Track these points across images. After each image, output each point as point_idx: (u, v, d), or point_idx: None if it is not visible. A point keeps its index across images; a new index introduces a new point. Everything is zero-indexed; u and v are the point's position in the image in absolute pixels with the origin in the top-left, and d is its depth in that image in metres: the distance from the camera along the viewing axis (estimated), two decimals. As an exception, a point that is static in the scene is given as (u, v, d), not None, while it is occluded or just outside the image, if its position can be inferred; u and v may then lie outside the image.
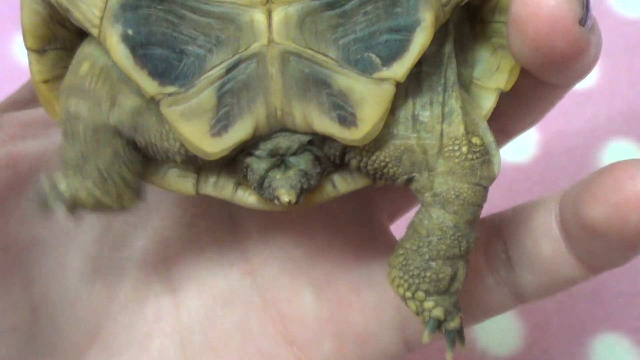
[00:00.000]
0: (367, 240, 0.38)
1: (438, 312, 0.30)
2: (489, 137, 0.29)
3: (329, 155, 0.29)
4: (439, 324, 0.31)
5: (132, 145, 0.30)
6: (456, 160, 0.29)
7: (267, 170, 0.29)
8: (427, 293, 0.30)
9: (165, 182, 0.31)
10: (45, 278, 0.34)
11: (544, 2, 0.26)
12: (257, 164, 0.29)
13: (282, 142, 0.28)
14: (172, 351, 0.35)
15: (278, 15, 0.26)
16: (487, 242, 0.35)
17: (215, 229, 0.37)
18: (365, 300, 0.37)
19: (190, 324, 0.36)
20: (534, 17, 0.26)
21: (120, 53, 0.26)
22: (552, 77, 0.30)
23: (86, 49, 0.29)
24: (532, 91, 0.32)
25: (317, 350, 0.36)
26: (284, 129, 0.28)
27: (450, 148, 0.28)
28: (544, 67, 0.28)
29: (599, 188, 0.29)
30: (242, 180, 0.30)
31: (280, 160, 0.29)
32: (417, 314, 0.31)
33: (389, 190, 0.39)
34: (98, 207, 0.30)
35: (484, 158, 0.29)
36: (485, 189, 0.29)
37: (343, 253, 0.37)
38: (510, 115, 0.33)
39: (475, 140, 0.29)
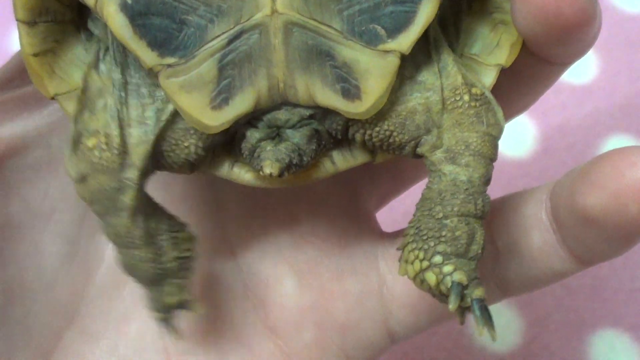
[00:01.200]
0: (351, 227, 0.37)
1: (460, 275, 0.27)
2: (489, 92, 0.29)
3: (330, 130, 0.29)
4: (462, 292, 0.28)
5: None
6: (460, 110, 0.28)
7: (260, 140, 0.28)
8: (445, 255, 0.28)
9: None
10: (20, 261, 0.33)
11: None
12: (252, 133, 0.28)
13: (282, 114, 0.28)
14: (150, 336, 0.35)
15: None
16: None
17: (198, 212, 0.36)
18: (348, 288, 0.36)
19: None
20: None
21: (119, 22, 0.26)
22: (555, 50, 0.29)
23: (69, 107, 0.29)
24: (529, 70, 0.31)
25: (298, 338, 0.36)
26: (286, 102, 0.28)
27: (453, 99, 0.28)
28: (550, 38, 0.27)
29: (597, 176, 0.29)
30: (237, 155, 0.30)
31: (275, 131, 0.28)
32: (438, 284, 0.28)
33: (376, 176, 0.38)
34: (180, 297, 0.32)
35: (487, 106, 0.28)
36: (495, 139, 0.28)
37: (327, 240, 0.37)
38: (507, 96, 0.32)
39: (475, 90, 0.28)
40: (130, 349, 0.35)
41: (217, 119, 0.27)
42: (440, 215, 0.28)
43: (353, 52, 0.26)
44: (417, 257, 0.28)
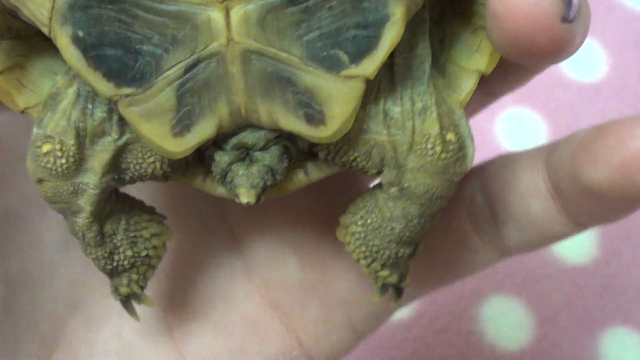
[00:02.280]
0: (349, 202, 0.37)
1: (393, 279, 0.31)
2: (465, 128, 0.28)
3: (299, 147, 0.29)
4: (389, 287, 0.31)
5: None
6: (428, 159, 0.28)
7: (230, 164, 0.28)
8: (384, 266, 0.30)
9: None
10: (21, 251, 0.33)
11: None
12: (220, 157, 0.28)
13: (248, 137, 0.28)
14: (154, 319, 0.35)
15: (237, 13, 0.25)
16: (470, 199, 0.35)
17: (196, 197, 0.36)
18: (350, 264, 0.36)
19: (171, 289, 0.36)
20: (513, 14, 0.25)
21: (72, 55, 0.25)
22: (534, 66, 0.29)
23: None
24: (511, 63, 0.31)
25: (303, 315, 0.36)
26: (250, 125, 0.27)
27: (423, 146, 0.28)
28: (525, 60, 0.27)
29: (600, 149, 0.28)
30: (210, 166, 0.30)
31: (245, 153, 0.28)
32: (370, 276, 0.31)
33: None
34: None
35: (458, 155, 0.28)
36: (456, 183, 0.28)
37: (326, 218, 0.36)
38: (495, 78, 0.32)
39: (450, 137, 0.28)
40: (135, 333, 0.35)
41: (180, 146, 0.27)
42: (388, 239, 0.29)
43: (315, 79, 0.26)
44: (358, 253, 0.30)
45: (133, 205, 0.31)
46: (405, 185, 0.28)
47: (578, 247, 0.57)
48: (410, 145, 0.28)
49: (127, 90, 0.26)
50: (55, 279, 0.35)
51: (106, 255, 0.31)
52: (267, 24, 0.25)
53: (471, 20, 0.29)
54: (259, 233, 0.37)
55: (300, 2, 0.25)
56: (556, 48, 0.26)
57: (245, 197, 0.27)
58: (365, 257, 0.30)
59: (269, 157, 0.28)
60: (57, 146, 0.28)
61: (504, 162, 0.34)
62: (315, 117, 0.26)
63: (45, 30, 0.26)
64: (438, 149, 0.27)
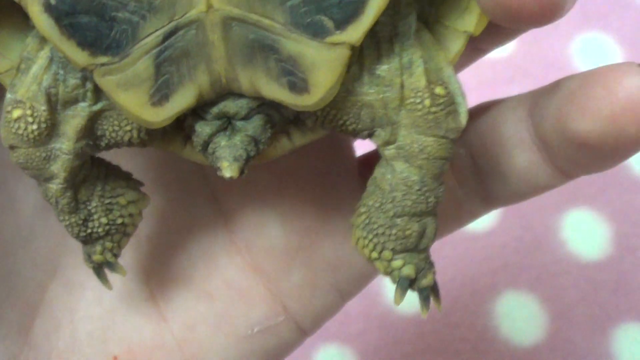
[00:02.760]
0: (333, 165, 0.36)
1: (408, 271, 0.29)
2: (454, 84, 0.27)
3: (283, 115, 0.28)
4: (410, 283, 0.29)
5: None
6: (419, 114, 0.27)
7: (212, 135, 0.27)
8: (394, 251, 0.28)
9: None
10: None
11: None
12: (202, 127, 0.27)
13: (230, 106, 0.27)
14: (135, 283, 0.35)
15: None
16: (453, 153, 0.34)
17: (177, 161, 0.35)
18: (334, 227, 0.35)
19: (153, 254, 0.35)
20: None
21: (44, 24, 0.25)
22: (523, 28, 0.28)
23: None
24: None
25: (287, 279, 0.35)
26: (231, 93, 0.27)
27: (412, 100, 0.27)
28: (514, 23, 0.26)
29: (588, 100, 0.27)
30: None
31: (227, 123, 0.27)
32: (386, 274, 0.29)
33: None
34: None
35: (449, 109, 0.27)
36: (453, 141, 0.28)
37: (309, 181, 0.36)
38: (484, 33, 0.30)
39: (438, 90, 0.27)
40: (116, 298, 0.34)
41: (158, 115, 0.26)
42: (391, 213, 0.28)
43: (298, 45, 0.25)
44: (366, 246, 0.29)
45: (109, 171, 0.30)
46: (401, 143, 0.27)
47: (592, 243, 0.57)
48: (400, 101, 0.27)
49: (102, 59, 0.25)
50: (33, 243, 0.34)
51: (80, 222, 0.30)
52: None
53: None
54: (242, 197, 0.36)
55: None
56: (545, 11, 0.25)
57: (228, 171, 0.27)
58: (375, 247, 0.29)
59: (252, 127, 0.27)
60: (28, 112, 0.27)
61: (486, 113, 0.33)
62: (298, 84, 0.25)
63: None
64: (427, 102, 0.27)
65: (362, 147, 0.36)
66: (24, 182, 0.34)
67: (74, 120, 0.28)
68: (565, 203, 0.58)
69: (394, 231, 0.28)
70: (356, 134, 0.28)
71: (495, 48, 0.33)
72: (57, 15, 0.25)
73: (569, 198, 0.58)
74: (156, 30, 0.25)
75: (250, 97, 0.27)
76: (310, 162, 0.36)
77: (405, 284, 0.29)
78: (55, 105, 0.28)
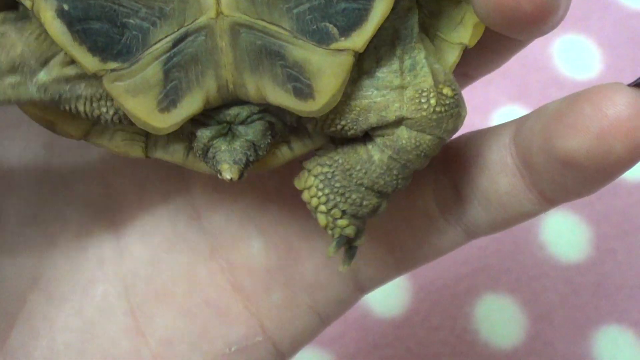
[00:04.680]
0: None
1: (350, 231, 0.29)
2: (459, 89, 0.28)
3: (284, 121, 0.29)
4: (347, 241, 0.30)
5: None
6: (423, 114, 0.27)
7: (212, 139, 0.28)
8: (344, 213, 0.29)
9: (112, 145, 0.30)
10: None
11: None
12: (202, 132, 0.28)
13: (231, 110, 0.27)
14: (116, 298, 0.34)
15: None
16: (435, 179, 0.34)
17: (161, 173, 0.35)
18: (316, 247, 0.35)
19: (135, 270, 0.35)
20: None
21: (57, 29, 0.25)
22: (518, 35, 0.28)
23: None
24: (493, 39, 0.30)
25: (267, 299, 0.35)
26: (237, 101, 0.27)
27: (417, 100, 0.27)
28: (510, 29, 0.26)
29: (576, 118, 0.27)
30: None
31: (227, 128, 0.28)
32: (326, 227, 0.30)
33: None
34: None
35: (453, 111, 0.28)
36: (445, 141, 0.28)
37: (292, 199, 0.35)
38: (472, 59, 0.31)
39: (446, 91, 0.27)
40: (96, 311, 0.34)
41: (166, 122, 0.26)
42: (359, 182, 0.29)
43: (304, 52, 0.26)
44: (318, 197, 0.29)
45: None
46: (396, 139, 0.28)
47: (573, 246, 0.57)
48: (401, 103, 0.27)
49: (113, 65, 0.25)
50: (16, 253, 0.34)
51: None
52: None
53: None
54: (224, 213, 0.36)
55: None
56: (541, 16, 0.25)
57: (229, 173, 0.27)
58: (327, 202, 0.29)
59: (252, 132, 0.28)
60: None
61: (469, 140, 0.33)
62: (304, 90, 0.26)
63: (27, 3, 0.25)
64: (433, 101, 0.27)
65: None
66: (10, 192, 0.34)
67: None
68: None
69: (353, 196, 0.29)
70: (353, 135, 0.28)
71: (482, 75, 0.34)
72: (70, 20, 0.25)
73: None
74: (166, 36, 0.25)
75: (256, 103, 0.27)
76: (294, 179, 0.36)
77: (344, 241, 0.30)
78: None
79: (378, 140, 0.28)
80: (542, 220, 0.57)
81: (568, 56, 0.62)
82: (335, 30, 0.25)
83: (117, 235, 0.35)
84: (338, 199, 0.29)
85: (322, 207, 0.29)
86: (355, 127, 0.28)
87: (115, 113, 0.28)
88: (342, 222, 0.29)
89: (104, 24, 0.25)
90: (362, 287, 0.36)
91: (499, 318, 0.55)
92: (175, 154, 0.30)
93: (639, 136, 0.27)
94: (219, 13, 0.25)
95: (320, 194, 0.29)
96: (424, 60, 0.28)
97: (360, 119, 0.28)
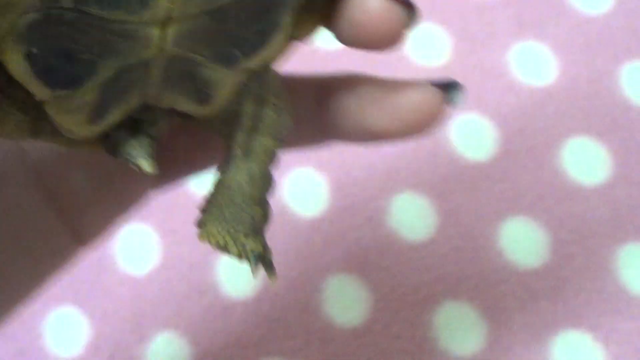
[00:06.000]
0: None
1: (259, 247, 0.33)
2: (284, 93, 0.33)
3: (183, 116, 0.32)
4: (260, 258, 0.33)
5: None
6: (269, 122, 0.32)
7: (121, 136, 0.31)
8: (246, 235, 0.32)
9: None
10: None
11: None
12: (113, 131, 0.31)
13: (142, 114, 0.31)
14: None
15: (173, 30, 0.28)
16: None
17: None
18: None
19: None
20: (372, 24, 0.30)
21: (21, 69, 0.27)
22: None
23: None
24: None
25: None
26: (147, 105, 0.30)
27: (265, 112, 0.32)
28: (361, 48, 0.31)
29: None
30: None
31: (133, 123, 0.31)
32: (240, 257, 0.33)
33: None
34: None
35: (283, 118, 0.33)
36: (281, 144, 0.33)
37: None
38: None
39: (275, 101, 0.33)
40: None
41: (92, 131, 0.30)
42: (242, 203, 0.32)
43: (214, 73, 0.30)
44: (222, 237, 0.33)
45: None
46: (251, 145, 0.32)
47: (531, 251, 0.57)
48: (255, 112, 0.32)
49: (60, 93, 0.28)
50: None
51: None
52: (193, 36, 0.28)
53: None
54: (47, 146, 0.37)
55: (221, 19, 0.28)
56: (391, 46, 0.31)
57: (148, 167, 0.30)
58: (230, 233, 0.32)
59: (156, 130, 0.31)
60: None
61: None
62: (204, 99, 0.31)
63: None
64: (272, 113, 0.33)
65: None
66: None
67: None
68: (503, 212, 0.58)
69: (244, 216, 0.33)
70: (224, 135, 0.33)
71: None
72: (34, 62, 0.27)
73: (507, 207, 0.58)
74: (112, 66, 0.28)
75: (163, 108, 0.31)
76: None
77: (258, 257, 0.33)
78: None
79: (238, 153, 0.33)
80: (500, 227, 0.58)
81: (525, 63, 0.63)
82: (240, 54, 0.30)
83: None
84: (236, 226, 0.32)
85: (229, 240, 0.33)
86: (225, 128, 0.33)
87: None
88: (250, 243, 0.33)
89: (61, 61, 0.27)
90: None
91: (459, 325, 0.55)
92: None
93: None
94: (161, 50, 0.28)
95: (221, 231, 0.33)
96: (269, 71, 0.32)
97: (228, 119, 0.32)
